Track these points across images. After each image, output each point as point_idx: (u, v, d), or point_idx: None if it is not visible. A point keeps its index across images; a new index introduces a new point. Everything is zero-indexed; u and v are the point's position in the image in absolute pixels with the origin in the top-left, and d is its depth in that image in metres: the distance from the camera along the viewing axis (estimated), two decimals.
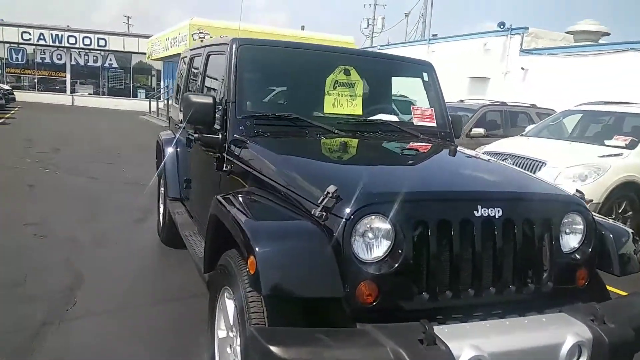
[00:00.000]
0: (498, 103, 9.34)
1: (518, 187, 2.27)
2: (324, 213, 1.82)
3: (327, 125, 2.96)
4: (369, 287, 1.79)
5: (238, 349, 2.05)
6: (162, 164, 4.52)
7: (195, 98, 2.90)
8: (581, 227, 2.17)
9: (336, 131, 2.94)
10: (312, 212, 1.86)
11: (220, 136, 2.92)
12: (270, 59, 3.16)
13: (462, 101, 9.78)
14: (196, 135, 3.07)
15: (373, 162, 2.63)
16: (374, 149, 2.83)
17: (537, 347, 1.80)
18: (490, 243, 1.96)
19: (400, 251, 1.81)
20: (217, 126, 2.94)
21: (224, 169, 2.76)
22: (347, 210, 1.81)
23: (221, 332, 2.35)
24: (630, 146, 6.04)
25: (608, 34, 13.41)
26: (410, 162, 2.62)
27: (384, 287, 1.80)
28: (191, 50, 4.41)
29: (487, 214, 1.95)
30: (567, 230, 2.15)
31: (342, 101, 3.22)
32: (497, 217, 1.97)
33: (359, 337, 1.69)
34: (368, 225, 1.81)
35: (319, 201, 1.85)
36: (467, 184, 2.24)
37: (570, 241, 2.16)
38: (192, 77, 4.18)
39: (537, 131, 7.36)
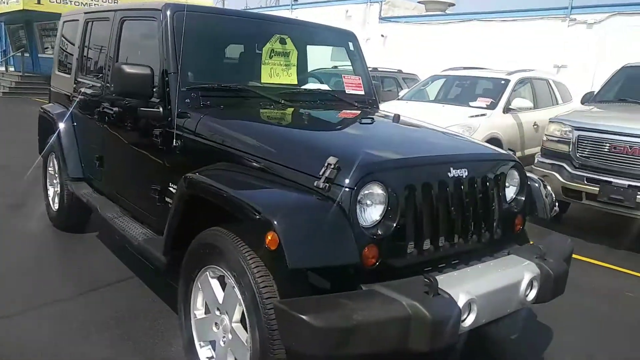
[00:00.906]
0: (371, 68, 9.88)
1: (474, 149, 2.57)
2: (327, 184, 1.89)
3: (273, 96, 2.97)
4: (371, 250, 1.92)
5: (231, 325, 2.07)
6: (53, 140, 4.06)
7: (130, 69, 2.68)
8: (517, 180, 2.55)
9: (282, 101, 2.97)
10: (315, 184, 1.91)
11: (161, 110, 2.76)
12: (206, 26, 3.00)
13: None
14: (125, 109, 2.84)
15: (347, 131, 2.72)
16: (336, 119, 2.91)
17: (506, 285, 2.11)
18: (460, 199, 2.22)
19: (394, 214, 1.97)
20: (153, 99, 2.77)
21: (174, 144, 2.62)
22: (351, 180, 1.90)
23: (198, 313, 2.32)
24: (491, 107, 6.92)
25: (453, 5, 14.86)
26: (379, 130, 2.76)
27: (383, 248, 1.95)
28: (86, 13, 3.96)
29: (457, 175, 2.20)
30: (508, 184, 2.51)
31: (278, 70, 3.23)
32: (464, 176, 2.23)
33: (374, 297, 1.82)
34: (369, 193, 1.93)
35: (320, 172, 1.91)
36: (439, 150, 2.45)
37: (510, 193, 2.53)
38: (93, 44, 3.78)
39: (411, 95, 8.01)
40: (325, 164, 1.91)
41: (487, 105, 7.00)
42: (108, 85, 3.32)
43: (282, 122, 2.70)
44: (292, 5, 17.19)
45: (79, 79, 3.93)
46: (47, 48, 18.94)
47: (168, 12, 2.82)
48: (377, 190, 1.95)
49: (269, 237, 1.74)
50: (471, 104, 7.12)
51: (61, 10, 10.86)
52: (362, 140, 2.51)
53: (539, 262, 2.27)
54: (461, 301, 1.88)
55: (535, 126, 7.33)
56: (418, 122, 2.97)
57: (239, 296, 1.98)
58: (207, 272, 2.20)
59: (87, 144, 3.82)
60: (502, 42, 11.07)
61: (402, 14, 14.57)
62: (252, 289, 1.88)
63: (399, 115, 2.86)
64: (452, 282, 1.97)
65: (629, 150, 4.64)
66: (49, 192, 4.46)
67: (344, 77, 3.51)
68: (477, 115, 6.67)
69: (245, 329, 1.99)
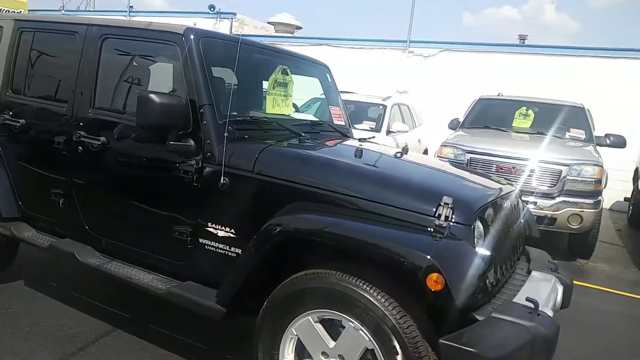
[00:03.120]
0: None
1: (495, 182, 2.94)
2: (447, 222, 2.03)
3: (290, 127, 2.96)
4: None
5: None
6: None
7: (161, 99, 2.42)
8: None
9: (302, 133, 2.96)
10: (435, 223, 2.03)
11: (193, 144, 2.53)
12: (226, 55, 2.83)
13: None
14: (168, 144, 2.52)
15: (424, 169, 2.82)
16: (390, 153, 2.96)
17: (551, 294, 2.50)
18: (512, 227, 2.56)
19: (488, 246, 2.21)
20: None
21: (222, 182, 2.43)
22: (468, 218, 2.09)
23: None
24: (376, 129, 7.59)
25: (301, 28, 15.61)
26: (428, 167, 2.91)
27: (483, 279, 2.17)
28: (18, 21, 3.30)
29: (507, 205, 2.55)
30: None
31: (279, 101, 3.20)
32: (509, 206, 2.59)
33: (500, 324, 1.97)
34: (480, 228, 2.14)
35: (437, 212, 2.04)
36: (492, 186, 2.73)
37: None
38: (39, 61, 3.19)
39: None
40: (442, 204, 2.06)
41: (371, 128, 7.65)
42: (92, 111, 2.87)
43: (357, 158, 2.66)
44: (129, 11, 16.05)
45: (9, 99, 3.27)
46: None
47: (192, 37, 2.61)
48: (479, 226, 2.17)
49: (434, 279, 1.82)
50: (357, 126, 7.69)
51: None
52: (448, 179, 2.68)
53: (558, 275, 2.73)
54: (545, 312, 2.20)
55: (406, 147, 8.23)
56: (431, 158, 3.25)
57: (366, 337, 1.99)
58: (309, 317, 2.13)
59: (33, 177, 3.19)
60: (351, 67, 12.04)
61: (250, 32, 14.77)
62: (393, 328, 1.92)
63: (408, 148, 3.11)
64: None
65: (512, 170, 5.64)
66: None
67: (330, 107, 3.62)
68: (369, 138, 7.23)
69: None
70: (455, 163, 5.53)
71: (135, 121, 2.50)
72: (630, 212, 8.71)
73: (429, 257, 1.86)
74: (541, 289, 2.50)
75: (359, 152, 2.62)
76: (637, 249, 6.74)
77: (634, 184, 8.74)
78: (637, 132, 9.11)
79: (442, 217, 2.03)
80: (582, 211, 5.40)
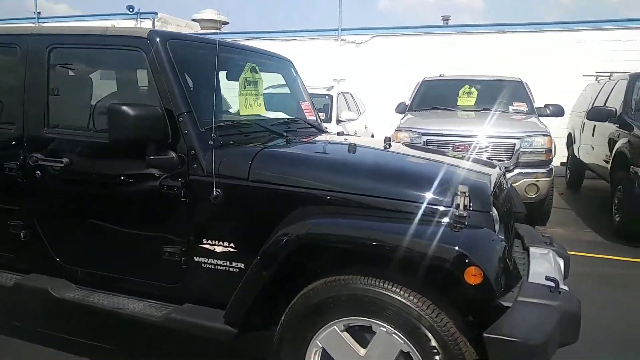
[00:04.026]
0: None
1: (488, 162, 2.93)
2: (466, 212, 1.97)
3: (270, 127, 2.79)
4: None
5: None
6: None
7: (135, 110, 2.19)
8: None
9: (284, 133, 2.80)
10: (452, 213, 1.96)
11: (174, 156, 2.31)
12: (194, 56, 2.60)
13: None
14: (148, 159, 2.27)
15: (425, 159, 2.70)
16: (379, 145, 2.83)
17: (555, 268, 2.52)
18: (508, 207, 2.56)
19: (501, 229, 2.18)
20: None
21: (214, 194, 2.23)
22: (486, 205, 2.05)
23: None
24: (327, 120, 7.50)
25: (227, 23, 15.15)
26: (433, 156, 2.83)
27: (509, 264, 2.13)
28: None
29: (505, 187, 2.54)
30: None
31: (251, 101, 3.01)
32: (505, 187, 2.58)
33: (529, 307, 1.90)
34: (495, 213, 2.10)
35: (453, 202, 1.97)
36: (484, 171, 2.68)
37: None
38: None
39: None
40: (459, 193, 1.99)
41: (321, 119, 7.55)
42: (52, 128, 2.55)
43: (353, 155, 2.52)
44: (38, 18, 14.87)
45: None
46: None
47: (159, 40, 2.37)
48: (494, 211, 2.13)
49: (472, 272, 1.75)
50: None
51: None
52: (450, 167, 2.59)
53: (554, 248, 2.76)
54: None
55: (355, 134, 8.24)
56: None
57: (401, 340, 1.90)
58: (334, 327, 2.01)
59: None
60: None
61: (173, 30, 14.16)
62: (431, 328, 1.84)
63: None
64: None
65: (469, 147, 5.74)
66: None
67: (301, 103, 3.47)
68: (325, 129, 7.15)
69: None
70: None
71: (108, 137, 2.24)
72: (568, 175, 9.21)
73: (463, 251, 1.79)
74: (547, 265, 2.52)
75: (352, 148, 2.50)
76: (584, 211, 7.13)
77: (568, 148, 9.25)
78: (561, 99, 9.67)
79: (461, 207, 1.97)
80: (538, 180, 5.61)
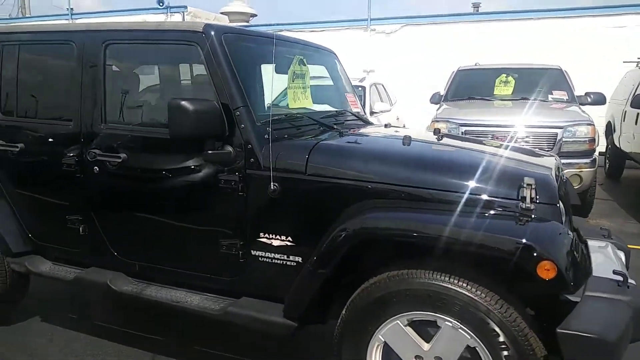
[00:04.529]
0: None
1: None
2: (533, 205, 1.93)
3: (321, 120, 2.79)
4: None
5: None
6: None
7: (194, 105, 2.20)
8: None
9: (335, 126, 2.79)
10: (519, 206, 1.92)
11: (231, 150, 2.32)
12: (247, 49, 2.61)
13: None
14: (206, 153, 2.31)
15: (472, 151, 2.67)
16: (431, 139, 2.80)
17: (617, 262, 2.44)
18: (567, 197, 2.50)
19: (567, 222, 2.14)
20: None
21: (272, 188, 2.24)
22: (553, 197, 2.01)
23: None
24: None
25: (256, 15, 15.18)
26: (483, 149, 2.76)
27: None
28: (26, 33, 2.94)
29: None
30: None
31: (299, 94, 3.00)
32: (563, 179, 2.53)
33: (599, 302, 1.85)
34: (561, 206, 2.05)
35: (520, 195, 1.94)
36: (545, 163, 2.61)
37: None
38: (24, 76, 2.86)
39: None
40: (525, 185, 1.95)
41: None
42: (104, 125, 2.60)
43: (409, 148, 2.48)
44: (72, 14, 15.15)
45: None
46: None
47: (214, 34, 2.37)
48: (560, 203, 2.08)
49: (545, 267, 1.72)
50: None
51: None
52: (514, 159, 2.54)
53: (612, 241, 2.69)
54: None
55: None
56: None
57: (468, 335, 1.88)
58: (397, 322, 2.00)
59: (42, 206, 2.89)
60: None
61: None
62: (500, 323, 1.81)
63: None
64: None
65: (508, 138, 5.63)
66: None
67: (347, 95, 3.45)
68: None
69: None
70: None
71: (169, 132, 2.27)
72: (607, 165, 8.97)
73: (535, 244, 1.75)
74: (608, 258, 2.45)
75: (406, 140, 2.47)
76: (627, 202, 6.93)
77: (607, 138, 8.99)
78: (599, 87, 9.39)
79: (528, 200, 1.93)
80: (581, 171, 5.47)
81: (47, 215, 2.90)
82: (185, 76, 3.07)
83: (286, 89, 2.84)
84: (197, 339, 3.07)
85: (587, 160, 5.54)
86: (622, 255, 2.53)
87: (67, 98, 2.71)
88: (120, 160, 2.55)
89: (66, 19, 14.84)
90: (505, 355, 1.83)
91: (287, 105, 2.85)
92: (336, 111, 3.19)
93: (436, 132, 2.97)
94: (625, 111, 7.81)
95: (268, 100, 2.88)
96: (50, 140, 2.78)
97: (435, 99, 7.44)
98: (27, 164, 2.88)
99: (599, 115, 9.37)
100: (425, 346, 1.99)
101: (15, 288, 3.11)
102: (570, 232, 1.98)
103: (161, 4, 13.60)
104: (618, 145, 8.28)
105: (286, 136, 2.44)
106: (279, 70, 2.98)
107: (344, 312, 2.11)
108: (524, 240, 1.77)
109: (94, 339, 3.06)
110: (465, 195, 2.02)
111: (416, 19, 11.78)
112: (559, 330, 1.73)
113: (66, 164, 2.71)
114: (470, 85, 7.24)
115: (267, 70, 3.05)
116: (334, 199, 2.20)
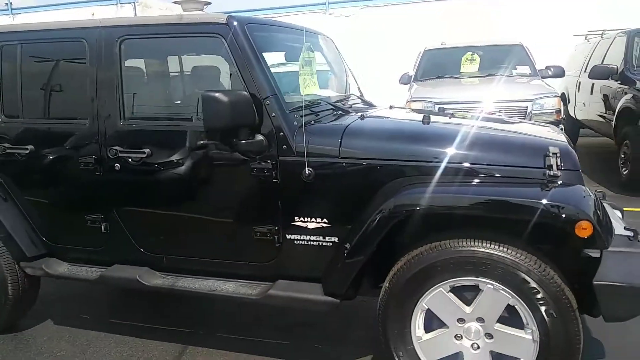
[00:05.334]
0: None
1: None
2: (559, 171, 2.11)
3: (335, 104, 2.89)
4: None
5: (494, 328, 2.11)
6: None
7: (227, 96, 2.25)
8: None
9: (349, 109, 2.89)
10: (547, 173, 2.10)
11: (263, 139, 2.38)
12: (268, 39, 2.65)
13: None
14: (239, 143, 2.35)
15: (490, 125, 2.80)
16: (446, 118, 2.92)
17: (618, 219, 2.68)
18: None
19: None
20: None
21: (306, 173, 2.32)
22: (574, 164, 2.20)
23: (420, 333, 2.24)
24: None
25: (210, 3, 14.82)
26: (493, 123, 2.93)
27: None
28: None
29: None
30: None
31: (308, 80, 3.07)
32: None
33: (623, 256, 2.08)
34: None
35: (547, 163, 2.12)
36: (556, 133, 2.78)
37: None
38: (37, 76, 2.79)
39: None
40: (550, 154, 2.13)
41: None
42: (125, 119, 2.58)
43: (428, 125, 2.59)
44: (12, 10, 14.32)
45: (4, 125, 2.85)
46: None
47: (237, 25, 2.41)
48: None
49: (583, 226, 1.90)
50: None
51: None
52: (526, 131, 2.70)
53: (607, 202, 2.93)
54: None
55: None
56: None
57: (509, 295, 2.05)
58: (441, 289, 2.14)
59: (56, 207, 2.85)
60: None
61: (155, 14, 13.85)
62: (540, 281, 1.98)
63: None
64: None
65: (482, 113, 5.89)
66: None
67: (348, 79, 3.54)
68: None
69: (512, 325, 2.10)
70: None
71: (204, 124, 2.30)
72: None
73: (572, 206, 1.94)
74: (615, 216, 2.68)
75: (426, 119, 2.59)
76: (586, 167, 7.33)
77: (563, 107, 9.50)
78: (552, 60, 9.86)
79: (554, 167, 2.11)
80: None
81: (64, 216, 2.86)
82: (175, 68, 3.09)
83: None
84: (223, 328, 3.14)
85: None
86: (619, 213, 2.78)
87: (80, 97, 2.67)
88: (144, 156, 2.56)
89: (6, 15, 14.06)
90: (544, 310, 2.01)
91: (300, 92, 2.93)
92: (345, 95, 3.29)
93: (440, 109, 3.13)
94: (580, 82, 8.29)
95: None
96: (63, 140, 2.74)
97: (405, 80, 7.64)
98: (38, 166, 2.82)
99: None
100: (467, 309, 2.15)
101: (28, 293, 3.06)
102: (592, 194, 2.17)
103: None
104: (573, 115, 8.79)
105: (312, 122, 2.51)
106: (289, 58, 3.06)
107: (386, 284, 2.24)
108: (561, 203, 1.95)
109: (116, 337, 3.06)
110: (499, 167, 2.18)
111: (374, 0, 11.91)
112: (595, 282, 1.93)
113: (83, 163, 2.68)
114: (438, 65, 7.47)
115: (276, 59, 3.12)
116: (368, 179, 2.31)
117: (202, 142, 2.47)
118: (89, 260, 2.89)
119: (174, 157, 2.56)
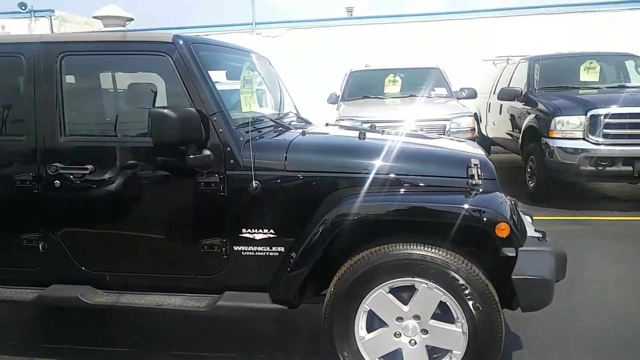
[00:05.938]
0: None
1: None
2: (480, 180, 2.39)
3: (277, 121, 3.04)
4: None
5: (429, 323, 2.31)
6: None
7: (175, 113, 2.33)
8: None
9: (290, 126, 3.04)
10: (468, 183, 2.37)
11: (211, 154, 2.47)
12: (212, 58, 2.74)
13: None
14: (187, 158, 2.41)
15: (417, 141, 3.02)
16: (376, 131, 3.12)
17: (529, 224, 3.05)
18: None
19: None
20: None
21: (253, 186, 2.44)
22: (492, 173, 2.49)
23: (363, 333, 2.40)
24: None
25: (132, 19, 14.51)
26: (418, 140, 3.15)
27: None
28: None
29: None
30: None
31: (248, 99, 3.20)
32: None
33: (534, 254, 2.40)
34: None
35: (469, 173, 2.39)
36: (475, 146, 3.14)
37: None
38: None
39: None
40: (472, 165, 2.41)
41: None
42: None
43: (368, 141, 2.75)
44: None
45: None
46: None
47: (182, 44, 2.50)
48: None
49: (502, 227, 2.17)
50: None
51: None
52: (448, 146, 2.95)
53: (521, 210, 3.30)
54: None
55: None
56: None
57: (441, 293, 2.27)
58: (381, 290, 2.33)
59: None
60: None
61: (74, 29, 13.33)
62: (467, 278, 2.23)
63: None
64: None
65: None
66: None
67: (284, 98, 3.70)
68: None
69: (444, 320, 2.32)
70: None
71: (152, 140, 2.35)
72: None
73: (492, 209, 2.21)
74: (526, 220, 3.03)
75: (362, 135, 2.80)
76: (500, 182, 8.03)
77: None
78: (464, 83, 10.69)
79: (476, 177, 2.38)
80: None
81: None
82: (108, 86, 3.10)
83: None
84: (166, 345, 3.13)
85: None
86: (529, 219, 3.15)
87: (18, 112, 2.62)
88: (87, 172, 2.55)
89: None
90: (472, 304, 2.25)
91: (240, 110, 3.05)
92: (284, 113, 3.44)
93: (371, 127, 3.37)
94: (490, 103, 9.04)
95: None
96: None
97: (333, 99, 7.96)
98: None
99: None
100: (405, 308, 2.35)
101: None
102: (508, 200, 2.48)
103: (23, 8, 12.48)
104: (485, 133, 9.53)
105: (257, 138, 2.64)
106: (230, 77, 3.17)
107: (331, 288, 2.39)
108: (483, 208, 2.23)
109: None
110: (427, 178, 2.43)
111: (301, 22, 12.27)
112: (514, 277, 2.21)
113: (20, 181, 2.62)
114: (363, 86, 7.88)
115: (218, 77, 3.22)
116: (312, 191, 2.47)
117: (148, 157, 2.52)
118: (23, 281, 2.79)
119: (119, 173, 2.57)
